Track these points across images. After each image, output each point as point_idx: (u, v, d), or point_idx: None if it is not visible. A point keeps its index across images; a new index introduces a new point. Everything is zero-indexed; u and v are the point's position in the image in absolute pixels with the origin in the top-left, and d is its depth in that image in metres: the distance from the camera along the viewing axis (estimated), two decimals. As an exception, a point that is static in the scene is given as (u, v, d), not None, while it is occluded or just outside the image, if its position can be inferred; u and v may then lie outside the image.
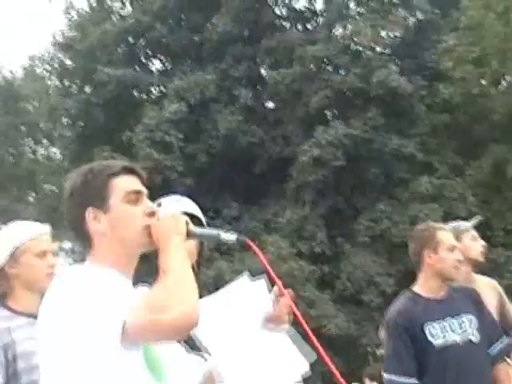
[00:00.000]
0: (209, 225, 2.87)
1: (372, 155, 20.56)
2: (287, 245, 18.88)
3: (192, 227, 2.25)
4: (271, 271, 2.35)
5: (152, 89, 24.82)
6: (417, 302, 3.98)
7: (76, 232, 2.27)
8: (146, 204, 2.25)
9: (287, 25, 24.50)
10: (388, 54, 22.24)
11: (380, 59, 21.50)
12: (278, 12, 24.76)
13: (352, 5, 23.31)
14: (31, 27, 64.15)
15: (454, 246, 4.05)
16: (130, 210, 2.22)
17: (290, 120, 21.90)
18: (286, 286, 2.52)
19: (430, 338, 3.83)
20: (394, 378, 3.87)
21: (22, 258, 3.28)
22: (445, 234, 4.08)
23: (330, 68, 22.08)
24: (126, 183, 2.24)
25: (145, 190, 2.28)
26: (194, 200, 3.17)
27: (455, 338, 3.87)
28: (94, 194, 2.22)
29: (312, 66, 21.49)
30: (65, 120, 24.67)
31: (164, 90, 22.82)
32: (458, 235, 4.44)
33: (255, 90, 22.39)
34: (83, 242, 2.26)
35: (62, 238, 35.96)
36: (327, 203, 20.38)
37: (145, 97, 24.98)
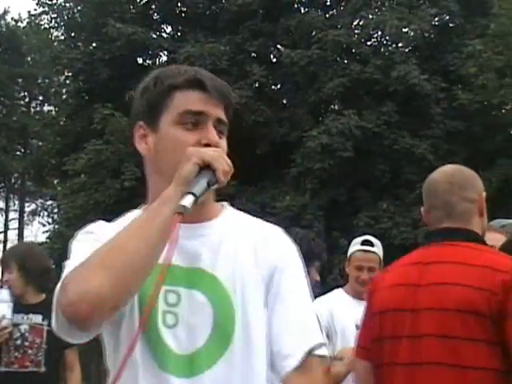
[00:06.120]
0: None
1: (381, 151, 19.72)
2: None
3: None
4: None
5: (161, 53, 23.87)
6: None
7: (135, 150, 1.84)
8: (208, 132, 1.76)
9: (308, 7, 23.58)
10: (410, 50, 21.39)
11: (402, 54, 20.68)
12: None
13: (379, -6, 22.45)
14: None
15: None
16: (178, 134, 1.76)
17: (300, 104, 21.02)
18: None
19: None
20: None
21: None
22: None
23: (349, 56, 21.19)
24: (185, 100, 1.77)
25: (214, 113, 1.78)
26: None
27: None
28: (147, 106, 1.80)
29: (331, 51, 20.59)
30: (66, 72, 23.71)
31: (174, 56, 21.86)
32: None
33: (268, 69, 21.45)
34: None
35: (46, 196, 35.20)
36: (328, 194, 19.56)
37: (153, 59, 24.03)
